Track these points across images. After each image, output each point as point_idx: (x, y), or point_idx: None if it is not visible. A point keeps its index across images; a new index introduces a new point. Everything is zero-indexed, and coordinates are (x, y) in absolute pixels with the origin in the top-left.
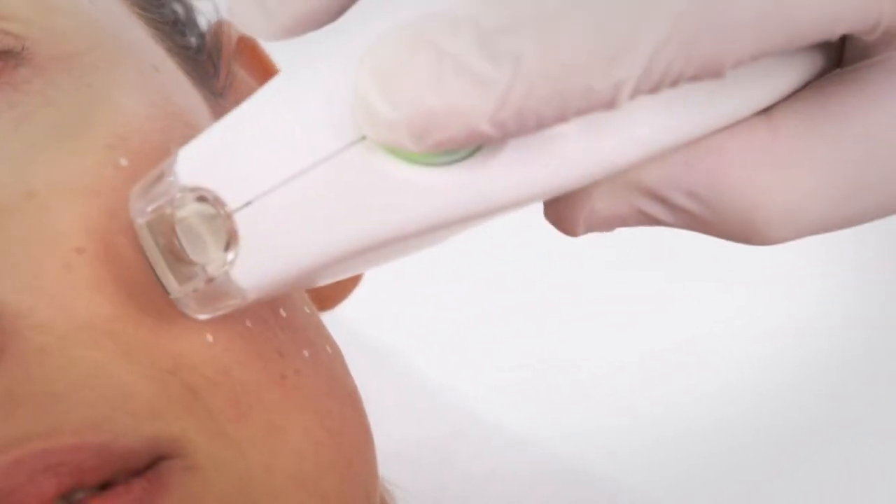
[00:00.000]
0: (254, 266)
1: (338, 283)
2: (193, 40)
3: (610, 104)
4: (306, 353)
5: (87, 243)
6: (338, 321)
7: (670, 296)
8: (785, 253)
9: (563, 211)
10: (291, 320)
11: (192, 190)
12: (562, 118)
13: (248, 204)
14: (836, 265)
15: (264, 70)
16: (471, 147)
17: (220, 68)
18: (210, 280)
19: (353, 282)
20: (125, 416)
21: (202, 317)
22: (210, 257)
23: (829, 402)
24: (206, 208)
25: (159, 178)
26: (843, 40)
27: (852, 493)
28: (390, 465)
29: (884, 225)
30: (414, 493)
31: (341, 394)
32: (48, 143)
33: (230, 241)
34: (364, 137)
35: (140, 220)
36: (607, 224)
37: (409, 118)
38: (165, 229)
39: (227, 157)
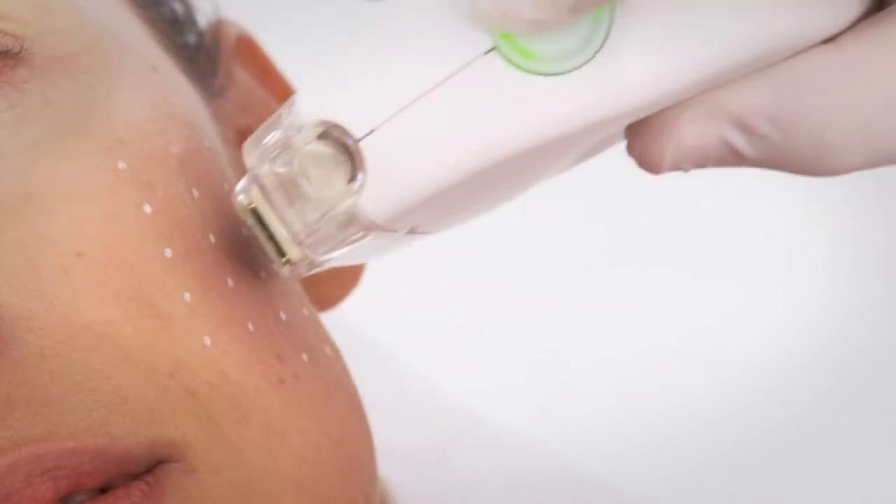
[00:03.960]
0: (381, 192)
1: (337, 282)
2: (192, 39)
3: None
4: (305, 356)
5: (87, 247)
6: (337, 323)
7: (671, 296)
8: (786, 251)
9: (650, 142)
10: (291, 324)
11: (316, 125)
12: None
13: (372, 131)
14: (836, 264)
15: (263, 69)
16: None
17: (219, 67)
18: (337, 212)
19: (352, 281)
20: (124, 419)
21: (326, 256)
22: (336, 190)
23: (830, 401)
24: (328, 142)
25: (276, 120)
26: None
27: (852, 493)
28: (390, 466)
29: (883, 224)
30: (414, 494)
31: (341, 396)
32: (47, 144)
33: (356, 169)
34: (487, 52)
35: (257, 170)
36: (692, 155)
37: None
38: (283, 176)
39: (347, 88)
